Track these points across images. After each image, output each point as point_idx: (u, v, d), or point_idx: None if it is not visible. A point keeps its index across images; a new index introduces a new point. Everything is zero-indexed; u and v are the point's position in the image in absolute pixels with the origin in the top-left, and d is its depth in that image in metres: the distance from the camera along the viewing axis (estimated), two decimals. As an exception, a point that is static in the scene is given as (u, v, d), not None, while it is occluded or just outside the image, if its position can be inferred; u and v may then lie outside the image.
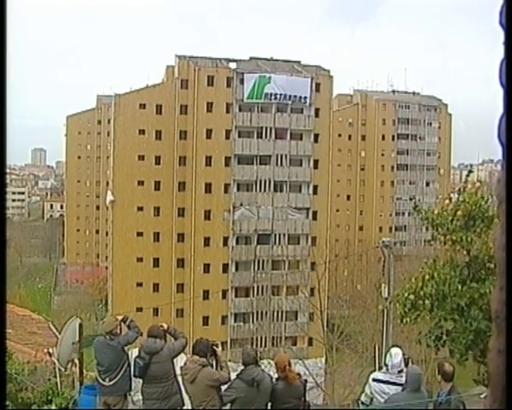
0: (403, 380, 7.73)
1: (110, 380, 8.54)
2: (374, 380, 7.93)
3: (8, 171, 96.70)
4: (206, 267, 58.51)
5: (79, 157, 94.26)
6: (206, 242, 59.03)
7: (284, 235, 60.52)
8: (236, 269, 60.27)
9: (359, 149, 79.11)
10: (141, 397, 8.58)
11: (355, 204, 78.66)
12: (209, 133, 59.30)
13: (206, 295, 55.79)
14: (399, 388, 7.65)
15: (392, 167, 80.00)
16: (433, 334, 9.65)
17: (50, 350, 10.05)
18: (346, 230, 74.81)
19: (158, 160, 59.18)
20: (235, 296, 59.90)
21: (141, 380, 8.43)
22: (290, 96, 60.61)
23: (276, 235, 60.40)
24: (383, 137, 79.77)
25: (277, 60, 63.36)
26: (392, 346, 8.67)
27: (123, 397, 8.78)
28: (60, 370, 9.63)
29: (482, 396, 7.68)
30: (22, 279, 78.69)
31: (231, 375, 7.93)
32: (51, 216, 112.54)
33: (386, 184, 79.56)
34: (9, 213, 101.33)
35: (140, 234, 57.54)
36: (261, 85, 60.49)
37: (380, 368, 8.33)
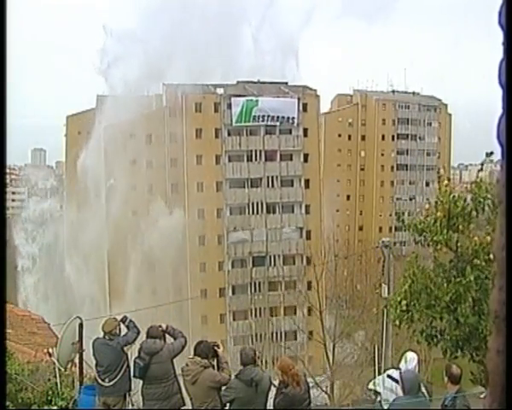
0: None
1: (110, 380, 8.54)
2: (388, 376, 7.93)
3: (8, 171, 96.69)
4: (203, 293, 58.10)
5: (79, 157, 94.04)
6: (202, 267, 59.12)
7: (279, 256, 60.49)
8: (233, 293, 60.27)
9: (359, 149, 79.12)
10: (140, 398, 8.57)
11: (355, 204, 78.66)
12: (199, 159, 60.06)
13: (204, 320, 55.99)
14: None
15: (392, 167, 79.98)
16: (426, 332, 9.69)
17: (50, 350, 10.05)
18: (345, 230, 74.81)
19: (150, 188, 59.97)
20: (234, 320, 59.96)
21: (140, 381, 8.44)
22: (278, 117, 61.38)
23: (270, 256, 60.39)
24: (383, 137, 79.78)
25: (264, 82, 63.55)
26: (408, 350, 8.66)
27: (122, 397, 8.78)
28: (60, 370, 9.62)
29: (482, 396, 7.69)
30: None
31: (232, 376, 7.93)
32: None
33: (386, 184, 79.54)
34: (9, 214, 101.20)
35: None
36: (249, 109, 61.20)
37: (379, 370, 8.33)
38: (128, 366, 8.65)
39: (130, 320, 8.93)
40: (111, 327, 8.69)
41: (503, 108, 1.00)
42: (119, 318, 9.12)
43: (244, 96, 61.13)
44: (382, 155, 79.43)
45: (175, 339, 8.45)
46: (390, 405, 7.61)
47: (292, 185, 62.31)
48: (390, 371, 8.15)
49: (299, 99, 61.80)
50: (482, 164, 9.73)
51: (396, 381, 7.81)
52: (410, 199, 78.25)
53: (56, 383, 9.64)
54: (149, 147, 59.44)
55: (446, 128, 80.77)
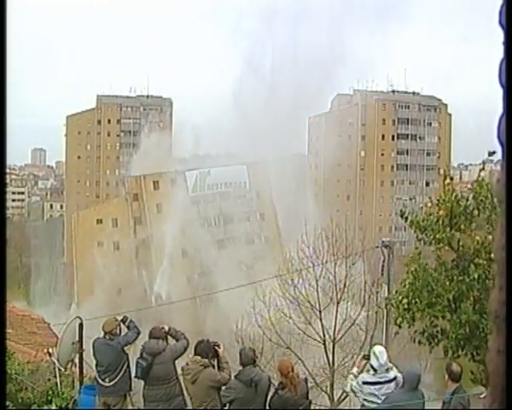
0: (391, 376, 7.73)
1: (110, 380, 8.53)
2: (364, 383, 7.83)
3: (8, 171, 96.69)
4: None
5: (79, 157, 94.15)
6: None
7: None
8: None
9: (359, 149, 79.10)
10: (141, 398, 8.55)
11: (355, 204, 78.63)
12: (162, 230, 65.19)
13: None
14: (390, 384, 7.65)
15: (392, 167, 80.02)
16: (427, 332, 9.66)
17: (50, 350, 10.04)
18: (345, 230, 74.66)
19: (118, 268, 64.32)
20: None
21: (141, 381, 8.41)
22: (231, 183, 68.66)
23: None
24: (383, 137, 79.80)
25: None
26: (375, 345, 8.69)
27: (123, 397, 8.77)
28: (60, 370, 9.61)
29: (482, 396, 7.68)
30: (22, 279, 78.64)
31: (232, 376, 7.90)
32: (51, 216, 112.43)
33: (386, 184, 79.57)
34: (9, 213, 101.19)
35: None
36: (203, 179, 68.63)
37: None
38: (128, 366, 8.64)
39: (131, 320, 8.93)
40: (111, 327, 8.69)
41: (503, 107, 1.00)
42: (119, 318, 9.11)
43: (196, 169, 68.88)
44: (382, 154, 79.46)
45: (177, 341, 8.42)
46: (387, 398, 7.57)
47: (253, 242, 68.32)
48: (363, 378, 7.97)
49: (247, 166, 68.94)
50: (484, 163, 9.72)
51: (372, 384, 7.76)
52: (410, 199, 78.23)
53: (56, 383, 9.63)
54: (115, 230, 67.71)
55: (446, 128, 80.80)
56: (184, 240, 64.87)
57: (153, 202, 67.79)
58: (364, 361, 8.18)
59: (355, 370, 8.25)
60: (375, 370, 7.73)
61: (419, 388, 7.44)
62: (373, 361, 7.78)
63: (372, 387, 7.69)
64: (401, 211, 10.20)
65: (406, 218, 9.99)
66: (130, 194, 70.35)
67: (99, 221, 68.39)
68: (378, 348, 8.06)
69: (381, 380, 7.67)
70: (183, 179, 68.24)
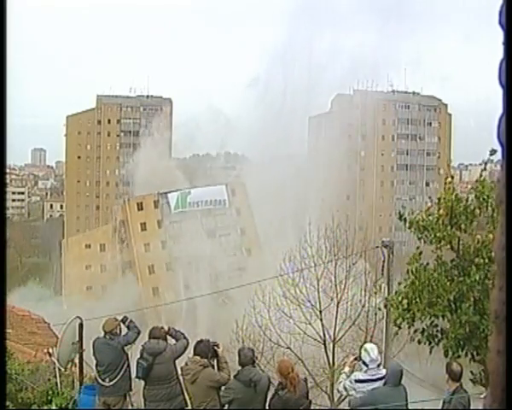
0: (383, 372, 7.77)
1: (110, 380, 8.53)
2: (357, 381, 7.87)
3: (7, 171, 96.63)
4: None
5: (79, 157, 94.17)
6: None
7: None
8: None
9: (359, 149, 79.10)
10: (141, 398, 8.55)
11: (355, 204, 78.61)
12: (147, 247, 70.08)
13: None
14: (382, 381, 7.68)
15: (392, 167, 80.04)
16: (427, 331, 9.66)
17: (50, 350, 10.04)
18: (345, 230, 74.65)
19: (104, 289, 67.82)
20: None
21: (141, 381, 8.42)
22: (211, 201, 71.83)
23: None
24: (383, 138, 79.80)
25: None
26: (365, 343, 8.76)
27: (123, 397, 8.77)
28: (60, 370, 9.61)
29: (482, 396, 7.67)
30: (22, 279, 78.61)
31: (231, 376, 7.91)
32: (51, 216, 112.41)
33: (386, 184, 79.58)
34: (9, 213, 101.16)
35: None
36: (184, 198, 72.20)
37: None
38: (128, 366, 8.65)
39: (131, 320, 8.94)
40: (111, 327, 8.69)
41: (503, 107, 1.00)
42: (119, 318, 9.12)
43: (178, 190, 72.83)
44: (382, 154, 79.46)
45: (177, 341, 8.43)
46: (371, 392, 7.60)
47: (235, 255, 70.85)
48: (356, 377, 8.00)
49: (226, 185, 72.64)
50: (486, 163, 9.71)
51: (364, 381, 7.79)
52: (410, 199, 78.30)
53: (56, 383, 9.63)
54: (103, 254, 72.10)
55: (446, 128, 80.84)
56: (168, 255, 68.47)
57: (137, 221, 72.10)
58: (355, 362, 8.24)
59: (347, 369, 8.31)
60: (366, 365, 7.77)
61: (402, 383, 7.54)
62: (364, 357, 7.83)
63: (364, 385, 7.72)
64: (399, 213, 10.16)
65: (405, 219, 9.96)
66: (117, 223, 75.46)
67: (87, 246, 73.91)
68: (369, 345, 8.18)
69: (373, 377, 7.72)
70: (165, 201, 72.40)
